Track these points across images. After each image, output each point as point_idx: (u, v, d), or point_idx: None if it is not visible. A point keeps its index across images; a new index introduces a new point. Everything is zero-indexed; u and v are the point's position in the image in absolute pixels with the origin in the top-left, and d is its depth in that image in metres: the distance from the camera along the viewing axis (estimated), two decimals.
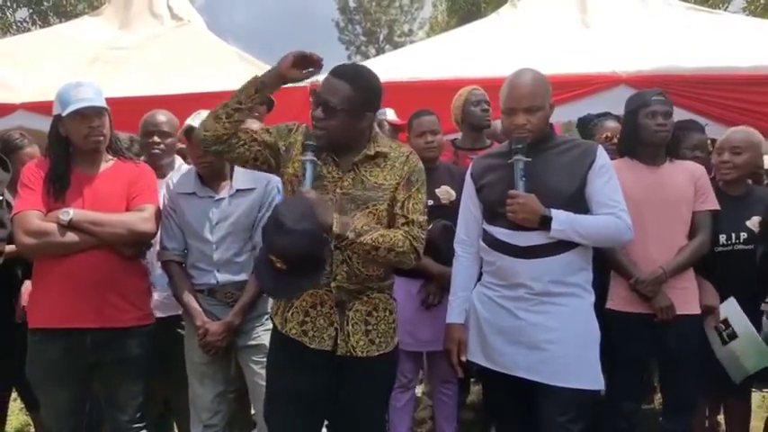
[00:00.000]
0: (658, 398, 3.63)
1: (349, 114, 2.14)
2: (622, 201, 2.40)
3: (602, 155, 2.42)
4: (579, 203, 2.37)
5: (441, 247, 3.00)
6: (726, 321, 2.94)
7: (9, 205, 2.68)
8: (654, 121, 2.85)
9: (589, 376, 2.35)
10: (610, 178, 2.40)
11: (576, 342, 2.34)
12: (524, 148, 2.35)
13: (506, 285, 2.42)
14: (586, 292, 2.42)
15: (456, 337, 2.53)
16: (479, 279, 2.59)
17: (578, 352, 2.34)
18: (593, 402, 2.41)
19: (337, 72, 2.18)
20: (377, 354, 2.23)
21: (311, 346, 2.19)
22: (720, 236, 2.99)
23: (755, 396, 3.93)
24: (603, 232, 2.37)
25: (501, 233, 2.42)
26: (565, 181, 2.38)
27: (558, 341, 2.32)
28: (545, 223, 2.30)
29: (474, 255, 2.58)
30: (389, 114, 4.31)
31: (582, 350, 2.35)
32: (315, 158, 2.13)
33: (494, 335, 2.43)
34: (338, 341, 2.19)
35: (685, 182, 2.88)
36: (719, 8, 11.64)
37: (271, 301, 2.78)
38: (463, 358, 2.52)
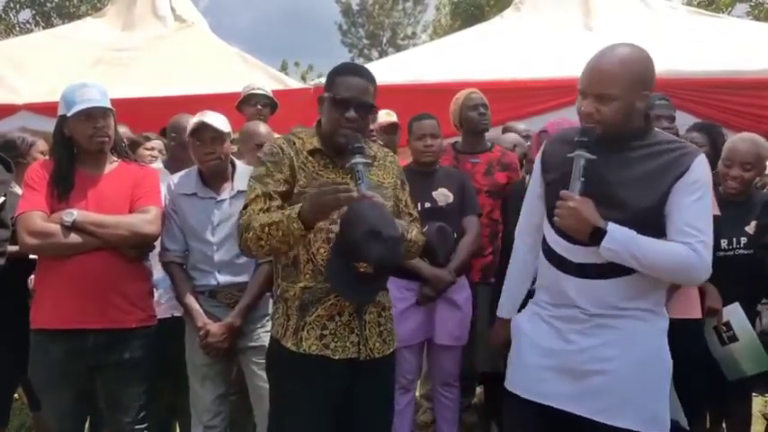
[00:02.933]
0: None
1: (373, 109, 2.24)
2: (708, 231, 1.93)
3: (699, 167, 1.95)
4: (653, 224, 1.94)
5: (436, 250, 3.00)
6: (728, 324, 2.95)
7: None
8: (658, 124, 2.82)
9: (647, 416, 1.98)
10: (700, 198, 1.93)
11: (636, 374, 1.99)
12: (590, 143, 1.95)
13: (557, 303, 2.10)
14: (654, 315, 2.04)
15: (503, 335, 2.31)
16: (531, 296, 2.29)
17: (637, 385, 1.98)
18: None
19: (357, 72, 2.21)
20: (388, 352, 2.25)
21: (336, 358, 2.15)
22: (722, 241, 2.98)
23: (758, 401, 3.92)
24: (667, 264, 1.93)
25: (557, 244, 2.08)
26: (639, 192, 1.95)
27: (613, 372, 1.98)
28: (596, 237, 1.92)
29: (533, 248, 2.24)
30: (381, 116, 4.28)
31: (642, 383, 1.99)
32: (366, 160, 2.12)
33: (536, 357, 2.11)
34: (360, 347, 2.18)
35: None
36: (723, 12, 11.64)
37: (271, 302, 2.78)
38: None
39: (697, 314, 2.84)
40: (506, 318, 2.34)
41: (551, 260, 2.11)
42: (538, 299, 2.21)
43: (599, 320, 2.00)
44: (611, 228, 1.91)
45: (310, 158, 2.19)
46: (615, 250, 1.91)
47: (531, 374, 2.11)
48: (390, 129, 4.10)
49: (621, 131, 1.98)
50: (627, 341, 1.99)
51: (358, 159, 2.07)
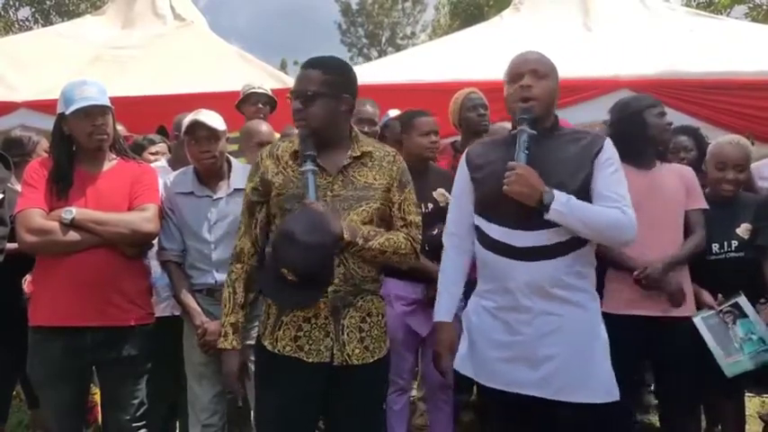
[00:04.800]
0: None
1: (327, 97, 2.12)
2: (627, 196, 2.22)
3: (608, 147, 2.26)
4: (586, 199, 2.20)
5: None
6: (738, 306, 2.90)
7: None
8: (663, 120, 2.87)
9: (599, 388, 2.18)
10: (615, 171, 2.24)
11: (583, 354, 2.18)
12: (530, 120, 2.19)
13: (502, 291, 2.24)
14: (590, 300, 2.24)
15: (446, 338, 2.38)
16: (474, 287, 2.42)
17: (585, 364, 2.18)
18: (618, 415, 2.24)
19: (306, 64, 2.19)
20: (372, 360, 2.21)
21: (309, 360, 2.13)
22: (713, 245, 2.97)
23: (755, 402, 3.94)
24: (607, 225, 2.16)
25: (496, 231, 2.24)
26: (570, 174, 2.20)
27: (562, 354, 2.16)
28: (543, 202, 2.11)
29: (462, 248, 2.40)
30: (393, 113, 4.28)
31: (589, 361, 2.19)
32: (315, 168, 2.10)
33: (491, 349, 2.26)
34: (334, 351, 2.15)
35: (677, 184, 2.88)
36: (722, 13, 11.66)
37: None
38: (455, 366, 2.40)
39: (688, 312, 2.83)
40: (446, 321, 2.39)
41: (494, 249, 2.24)
42: (481, 290, 2.34)
43: (542, 306, 2.17)
44: (557, 192, 2.12)
45: (290, 162, 2.20)
46: (563, 212, 2.11)
47: (490, 366, 2.26)
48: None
49: (547, 118, 2.27)
50: (569, 325, 2.17)
51: (306, 167, 2.09)
